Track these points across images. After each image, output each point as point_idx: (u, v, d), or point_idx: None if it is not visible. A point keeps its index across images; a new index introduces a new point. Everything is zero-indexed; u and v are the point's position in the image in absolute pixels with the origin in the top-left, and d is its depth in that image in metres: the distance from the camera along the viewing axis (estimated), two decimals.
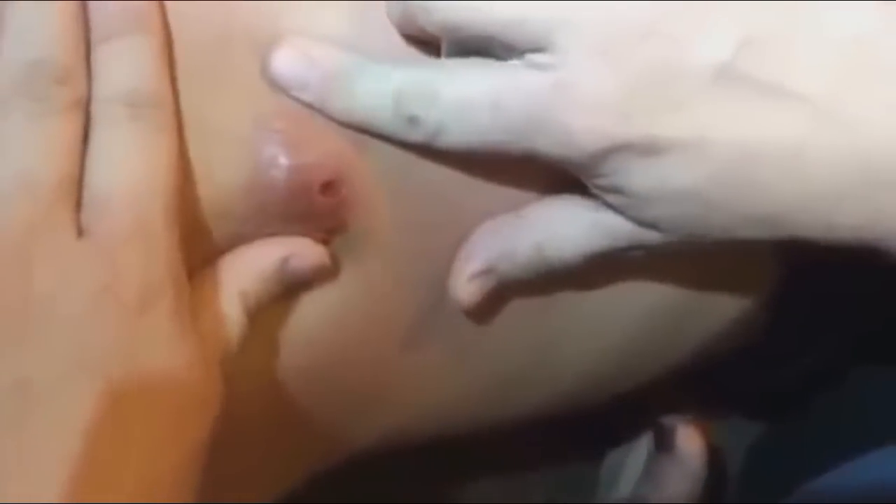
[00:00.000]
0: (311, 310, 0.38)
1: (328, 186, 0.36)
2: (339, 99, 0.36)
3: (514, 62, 0.34)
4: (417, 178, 0.37)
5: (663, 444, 0.48)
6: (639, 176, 0.34)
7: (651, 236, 0.36)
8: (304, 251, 0.36)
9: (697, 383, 0.47)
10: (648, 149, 0.33)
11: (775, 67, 0.33)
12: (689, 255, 0.37)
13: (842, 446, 0.42)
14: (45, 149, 0.33)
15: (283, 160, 0.35)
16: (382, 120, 0.35)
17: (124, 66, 0.34)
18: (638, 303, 0.41)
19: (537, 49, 0.33)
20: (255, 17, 0.36)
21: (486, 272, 0.38)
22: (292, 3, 0.36)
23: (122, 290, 0.32)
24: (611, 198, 0.35)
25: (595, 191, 0.36)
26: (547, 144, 0.34)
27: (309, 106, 0.36)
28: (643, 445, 0.49)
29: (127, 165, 0.33)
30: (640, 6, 0.33)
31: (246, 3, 0.36)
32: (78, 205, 0.33)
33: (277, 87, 0.36)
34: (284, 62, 0.36)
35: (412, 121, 0.35)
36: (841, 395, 0.47)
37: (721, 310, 0.42)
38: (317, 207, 0.36)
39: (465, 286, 0.38)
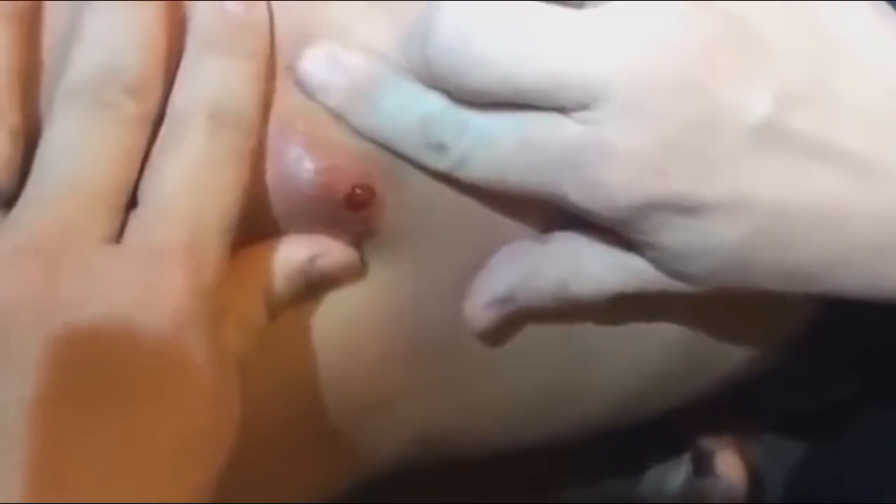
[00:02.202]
0: (332, 312, 0.37)
1: (356, 192, 0.35)
2: (364, 111, 0.34)
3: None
4: (447, 188, 0.35)
5: (703, 468, 0.47)
6: (674, 233, 0.33)
7: (682, 285, 0.35)
8: (332, 250, 0.36)
9: (735, 401, 0.45)
10: (685, 207, 0.32)
11: (816, 123, 0.32)
12: None
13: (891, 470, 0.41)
14: (97, 155, 0.32)
15: (308, 163, 0.34)
16: (406, 141, 0.34)
17: (218, 80, 0.33)
18: (665, 331, 0.40)
19: (574, 109, 0.32)
20: (284, 15, 0.35)
21: (505, 300, 0.37)
22: (325, 3, 0.35)
23: (155, 309, 0.31)
24: (645, 251, 0.35)
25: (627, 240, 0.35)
26: (576, 193, 0.33)
27: (333, 111, 0.35)
28: (682, 468, 0.48)
29: (191, 181, 0.32)
30: (677, 61, 0.32)
31: (276, 3, 0.35)
32: (125, 215, 0.32)
33: (302, 89, 0.35)
34: (312, 64, 0.35)
35: (438, 147, 0.34)
36: (887, 416, 0.46)
37: (755, 336, 0.41)
38: (344, 212, 0.35)
39: (482, 312, 0.37)
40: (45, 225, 0.31)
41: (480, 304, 0.37)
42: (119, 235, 0.32)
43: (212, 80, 0.33)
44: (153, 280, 0.31)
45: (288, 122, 0.34)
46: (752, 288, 0.34)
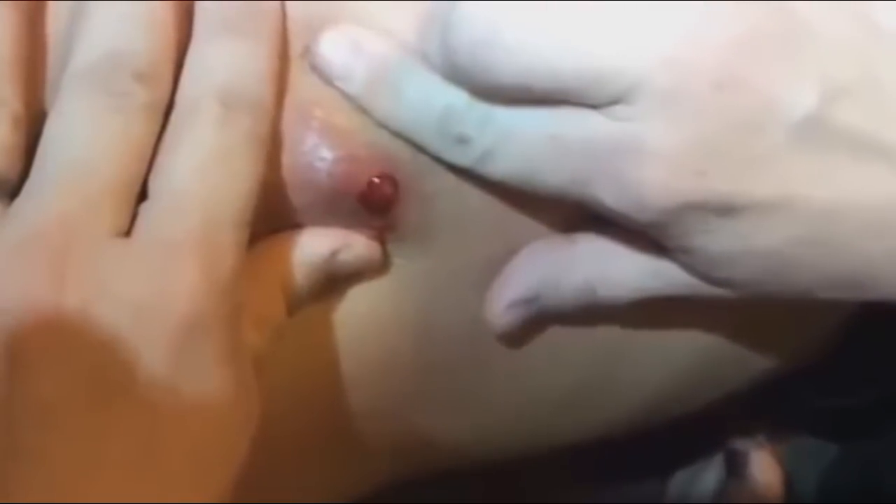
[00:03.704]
0: (350, 306, 0.36)
1: (376, 184, 0.34)
2: (384, 99, 0.33)
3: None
4: (471, 182, 0.34)
5: (736, 470, 0.46)
6: (711, 237, 0.32)
7: (716, 291, 0.34)
8: (354, 244, 0.35)
9: (767, 400, 0.44)
10: (725, 208, 0.31)
11: (865, 118, 0.31)
12: None
13: None
14: (104, 144, 0.31)
15: (325, 153, 0.33)
16: (426, 133, 0.33)
17: (227, 63, 0.32)
18: (694, 332, 0.39)
19: (606, 105, 0.31)
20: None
21: (528, 301, 0.35)
22: None
23: (169, 307, 0.29)
24: (679, 256, 0.33)
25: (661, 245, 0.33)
26: (608, 195, 0.31)
27: (352, 99, 0.33)
28: (713, 469, 0.47)
29: (203, 170, 0.31)
30: (717, 53, 0.30)
31: None
32: (134, 208, 0.31)
33: (320, 74, 0.33)
34: (331, 48, 0.33)
35: (460, 141, 0.32)
36: None
37: (788, 338, 0.40)
38: (364, 204, 0.34)
39: (503, 313, 0.36)
40: (50, 218, 0.30)
41: (502, 305, 0.36)
42: (129, 229, 0.31)
43: (221, 64, 0.32)
44: (165, 277, 0.30)
45: (304, 110, 0.33)
46: (792, 294, 0.33)
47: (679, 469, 0.49)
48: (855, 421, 0.47)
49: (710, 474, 0.48)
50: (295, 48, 0.33)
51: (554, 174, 0.32)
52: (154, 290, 0.29)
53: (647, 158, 0.30)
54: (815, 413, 0.48)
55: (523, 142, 0.32)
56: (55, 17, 0.33)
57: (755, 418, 0.47)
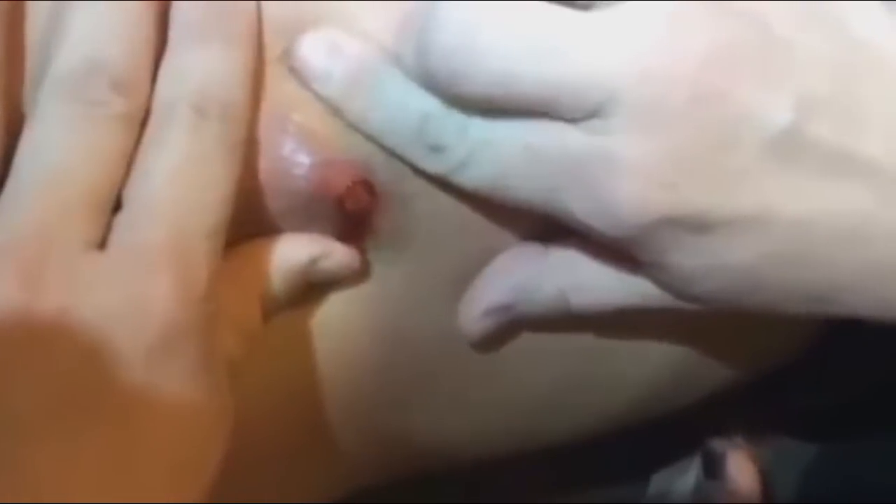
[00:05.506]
0: (327, 312, 0.36)
1: (354, 189, 0.34)
2: (362, 103, 0.33)
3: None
4: (450, 186, 0.34)
5: (713, 471, 0.46)
6: (685, 253, 0.31)
7: (687, 305, 0.34)
8: (333, 251, 0.34)
9: (745, 400, 0.44)
10: (698, 225, 0.31)
11: (840, 132, 0.31)
12: None
13: None
14: (80, 153, 0.30)
15: (303, 157, 0.33)
16: (401, 139, 0.33)
17: (201, 69, 0.32)
18: (670, 336, 0.39)
19: (581, 118, 0.31)
20: (276, 1, 0.33)
21: (503, 308, 0.35)
22: None
23: (143, 316, 0.29)
24: (652, 272, 0.33)
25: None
26: (581, 209, 0.31)
27: (328, 102, 0.33)
28: (690, 471, 0.47)
29: (176, 178, 0.31)
30: (691, 65, 0.30)
31: None
32: (111, 217, 0.31)
33: (299, 76, 0.33)
34: (310, 50, 0.33)
35: (436, 148, 0.32)
36: None
37: (767, 339, 0.40)
38: (343, 209, 0.34)
39: (478, 320, 0.35)
40: (24, 227, 0.30)
41: (477, 313, 0.36)
42: (105, 238, 0.31)
43: (195, 69, 0.32)
44: (140, 286, 0.30)
45: (282, 114, 0.33)
46: (764, 309, 0.33)
47: (658, 470, 0.49)
48: (833, 422, 0.47)
49: (688, 475, 0.47)
50: (273, 52, 0.33)
51: (527, 185, 0.32)
52: (129, 298, 0.29)
53: (621, 173, 0.30)
54: (794, 414, 0.48)
55: (498, 152, 0.32)
56: (34, 17, 0.33)
57: (733, 419, 0.47)
